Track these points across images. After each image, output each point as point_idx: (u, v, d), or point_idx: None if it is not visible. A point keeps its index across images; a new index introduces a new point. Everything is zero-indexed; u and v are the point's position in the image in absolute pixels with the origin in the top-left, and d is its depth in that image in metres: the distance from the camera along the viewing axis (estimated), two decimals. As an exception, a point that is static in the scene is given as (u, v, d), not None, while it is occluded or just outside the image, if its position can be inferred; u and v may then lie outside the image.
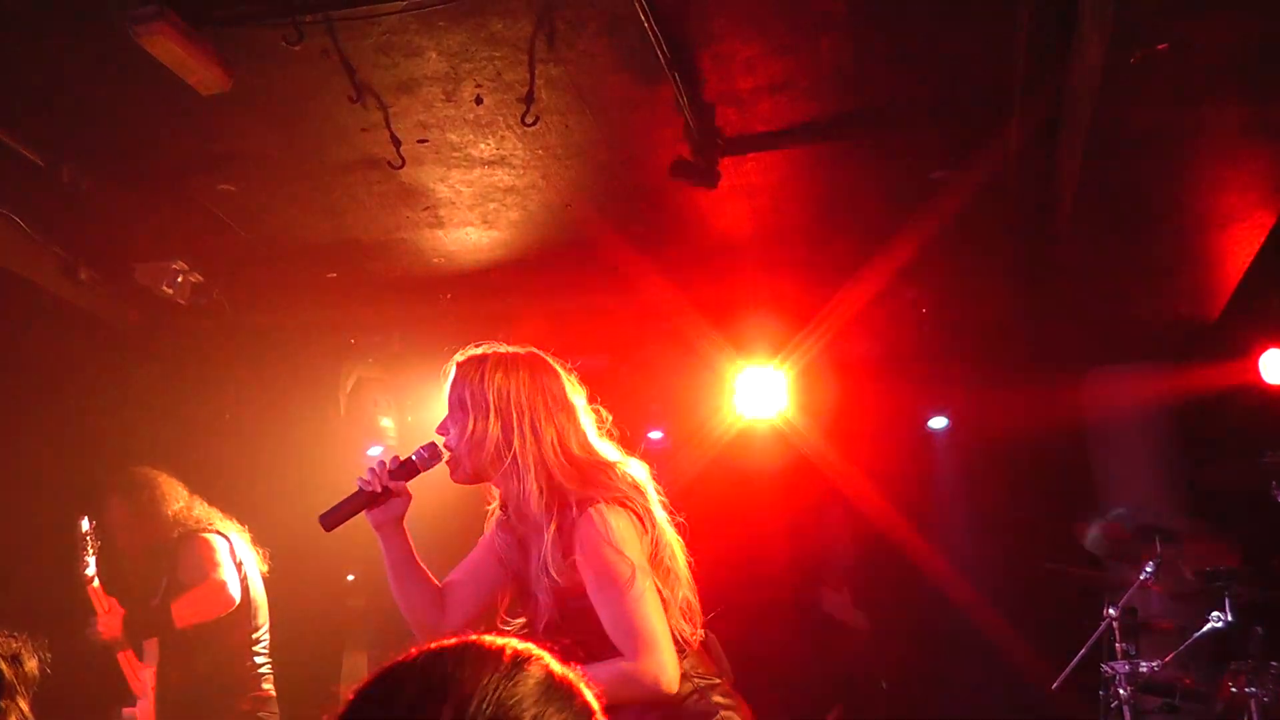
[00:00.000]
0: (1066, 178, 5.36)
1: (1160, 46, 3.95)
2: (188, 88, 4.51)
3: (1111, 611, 5.29)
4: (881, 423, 7.76)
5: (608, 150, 5.58)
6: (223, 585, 5.18)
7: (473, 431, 3.08)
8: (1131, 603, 5.35)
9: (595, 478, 3.05)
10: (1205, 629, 5.22)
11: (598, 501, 2.97)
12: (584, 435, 3.13)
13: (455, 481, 3.17)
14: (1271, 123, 4.55)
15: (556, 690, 1.40)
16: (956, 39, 4.84)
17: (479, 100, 5.09)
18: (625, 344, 7.22)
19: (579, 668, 2.82)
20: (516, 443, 3.04)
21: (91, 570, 5.06)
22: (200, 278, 6.55)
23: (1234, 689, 5.07)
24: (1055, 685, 5.29)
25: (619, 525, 2.96)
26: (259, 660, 5.34)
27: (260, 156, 5.57)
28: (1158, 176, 5.08)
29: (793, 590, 6.81)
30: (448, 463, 3.16)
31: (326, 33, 4.52)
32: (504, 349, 3.19)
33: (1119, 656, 5.24)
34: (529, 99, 5.04)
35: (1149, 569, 5.31)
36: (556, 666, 1.43)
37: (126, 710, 5.23)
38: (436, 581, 3.33)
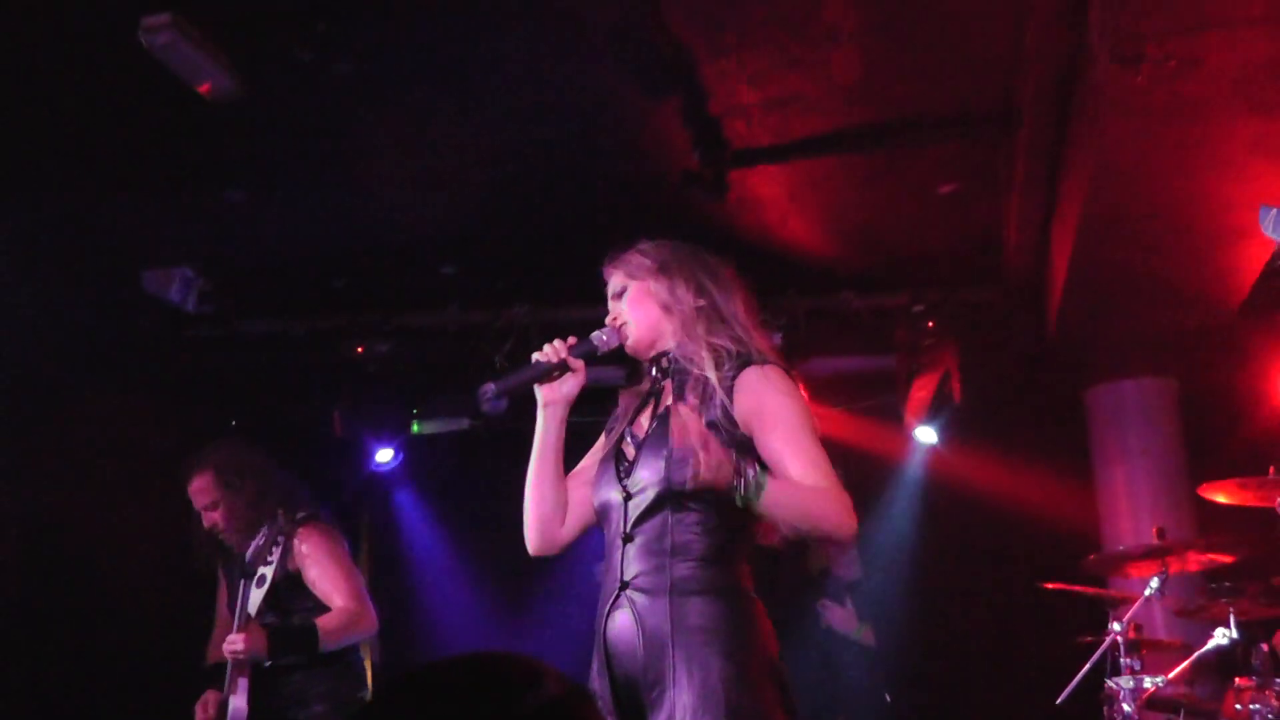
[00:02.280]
0: (1074, 192, 5.37)
1: (1168, 64, 3.96)
2: (198, 94, 4.53)
3: (1116, 627, 5.27)
4: (882, 433, 7.76)
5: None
6: (369, 604, 4.63)
7: (667, 297, 3.17)
8: (1136, 618, 5.33)
9: (769, 351, 3.16)
10: (1210, 645, 5.20)
11: (775, 363, 3.10)
12: (755, 318, 3.23)
13: (630, 350, 3.22)
14: (1278, 140, 4.55)
15: (570, 706, 1.40)
16: (964, 53, 4.85)
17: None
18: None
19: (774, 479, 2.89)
20: (706, 305, 3.16)
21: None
22: (207, 284, 6.55)
23: (1238, 706, 5.05)
24: (1060, 700, 5.27)
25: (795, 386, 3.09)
26: (358, 659, 4.80)
27: (269, 164, 5.58)
28: (1164, 193, 5.08)
29: (796, 602, 6.79)
30: (623, 332, 3.21)
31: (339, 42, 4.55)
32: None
33: (1123, 672, 5.23)
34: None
35: (1154, 585, 5.29)
36: (572, 684, 1.42)
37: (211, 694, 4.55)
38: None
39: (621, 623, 2.97)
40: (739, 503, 2.85)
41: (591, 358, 3.20)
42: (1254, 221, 5.28)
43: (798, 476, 2.92)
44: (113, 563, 6.48)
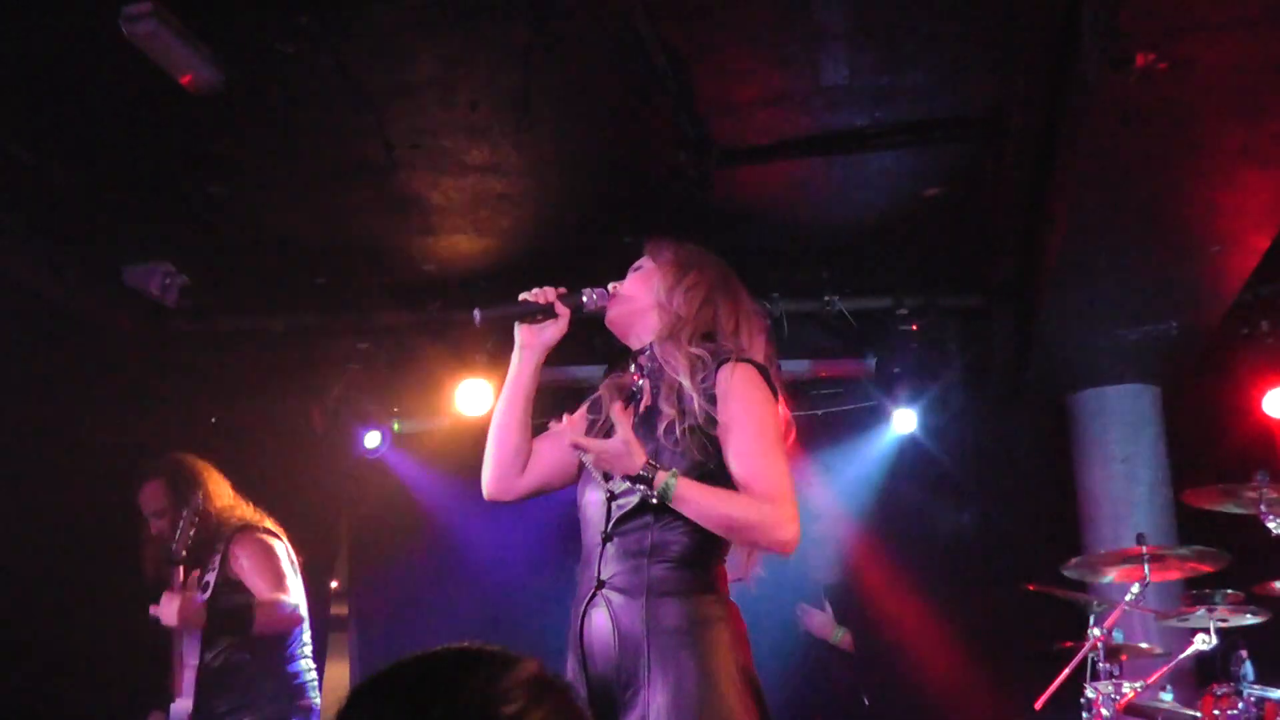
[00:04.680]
0: (1061, 196, 5.36)
1: (1160, 66, 3.95)
2: (179, 86, 4.48)
3: (1096, 632, 5.27)
4: (863, 436, 7.76)
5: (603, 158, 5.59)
6: (300, 596, 4.90)
7: (663, 294, 3.17)
8: (1117, 624, 5.33)
9: (755, 354, 3.14)
10: (1189, 651, 5.22)
11: (749, 361, 3.06)
12: (754, 331, 3.22)
13: (607, 321, 3.23)
14: (1269, 146, 4.54)
15: (547, 686, 1.40)
16: (954, 55, 4.84)
17: (474, 107, 5.07)
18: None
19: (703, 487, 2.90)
20: (702, 318, 3.14)
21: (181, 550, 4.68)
22: (188, 280, 6.49)
23: (1216, 712, 5.06)
24: (1038, 704, 5.27)
25: (768, 387, 3.04)
26: (304, 666, 5.00)
27: (251, 158, 5.54)
28: (1153, 198, 5.08)
29: (774, 607, 6.77)
30: (611, 302, 3.21)
31: (322, 35, 4.50)
32: None
33: (1102, 678, 5.23)
34: (524, 106, 5.03)
35: (1134, 590, 5.29)
36: (549, 670, 1.44)
37: (156, 715, 4.83)
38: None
39: (598, 622, 2.98)
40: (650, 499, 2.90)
41: (578, 312, 3.21)
42: (1241, 228, 5.31)
43: (742, 484, 2.92)
44: (92, 559, 6.42)
